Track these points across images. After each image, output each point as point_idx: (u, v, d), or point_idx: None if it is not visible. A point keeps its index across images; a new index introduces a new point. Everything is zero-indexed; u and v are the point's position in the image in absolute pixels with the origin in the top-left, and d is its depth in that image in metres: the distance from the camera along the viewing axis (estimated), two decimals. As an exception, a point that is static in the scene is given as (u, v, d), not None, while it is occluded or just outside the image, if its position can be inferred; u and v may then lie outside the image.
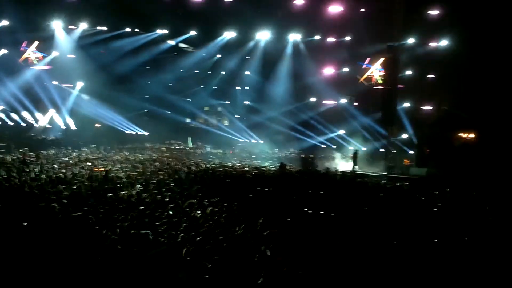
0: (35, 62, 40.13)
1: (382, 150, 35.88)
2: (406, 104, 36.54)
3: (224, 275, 8.23)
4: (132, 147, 41.58)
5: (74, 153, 33.13)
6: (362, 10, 32.97)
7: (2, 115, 44.76)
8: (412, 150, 35.54)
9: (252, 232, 10.90)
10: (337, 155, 37.76)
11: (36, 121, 45.89)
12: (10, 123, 45.24)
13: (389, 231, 12.22)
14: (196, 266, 8.37)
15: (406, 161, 35.09)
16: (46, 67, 40.61)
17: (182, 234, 10.15)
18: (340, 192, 19.13)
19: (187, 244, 9.40)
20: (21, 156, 27.26)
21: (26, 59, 39.97)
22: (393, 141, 34.72)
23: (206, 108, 51.99)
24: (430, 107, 36.00)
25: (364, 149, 36.47)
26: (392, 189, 22.32)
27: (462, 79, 31.07)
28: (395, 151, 35.02)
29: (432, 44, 33.83)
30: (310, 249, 10.10)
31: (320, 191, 18.39)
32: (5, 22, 36.41)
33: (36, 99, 43.10)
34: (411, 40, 33.91)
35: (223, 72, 45.37)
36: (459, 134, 33.06)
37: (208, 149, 44.84)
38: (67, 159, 28.49)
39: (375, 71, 36.72)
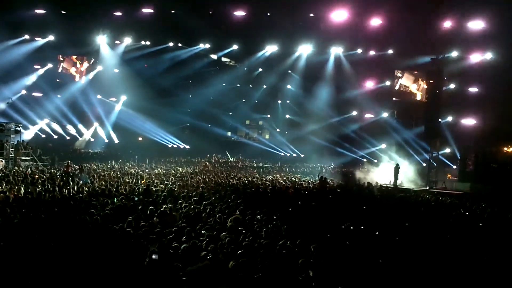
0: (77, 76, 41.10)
1: (424, 164, 35.34)
2: (449, 118, 36.01)
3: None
4: (173, 160, 41.95)
5: (117, 166, 33.61)
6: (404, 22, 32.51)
7: (47, 128, 45.89)
8: (455, 165, 34.94)
9: (295, 247, 10.81)
10: (378, 169, 37.32)
11: (80, 134, 46.87)
12: (54, 136, 46.32)
13: (432, 246, 12.03)
14: (240, 282, 8.36)
15: (449, 175, 34.50)
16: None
17: (223, 249, 10.15)
18: (382, 207, 18.90)
19: (229, 259, 9.39)
20: (64, 168, 27.71)
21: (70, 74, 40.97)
22: (436, 155, 34.11)
23: (247, 122, 52.31)
24: (474, 121, 35.44)
25: (406, 163, 36.01)
26: (435, 204, 21.97)
27: (508, 92, 30.45)
28: (437, 165, 34.45)
29: (476, 57, 33.39)
30: (351, 265, 10.01)
31: (361, 205, 18.21)
32: (51, 37, 37.51)
33: (80, 113, 44.11)
34: (454, 53, 33.51)
35: (264, 86, 45.54)
36: (504, 149, 32.28)
37: (248, 163, 44.97)
38: (109, 172, 28.87)
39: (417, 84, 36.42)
